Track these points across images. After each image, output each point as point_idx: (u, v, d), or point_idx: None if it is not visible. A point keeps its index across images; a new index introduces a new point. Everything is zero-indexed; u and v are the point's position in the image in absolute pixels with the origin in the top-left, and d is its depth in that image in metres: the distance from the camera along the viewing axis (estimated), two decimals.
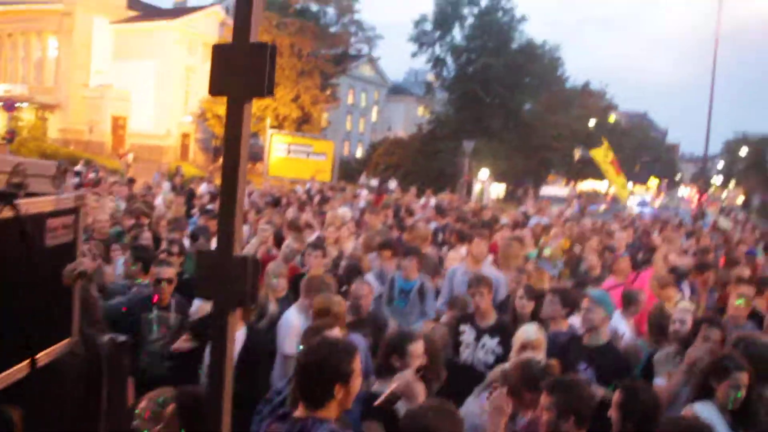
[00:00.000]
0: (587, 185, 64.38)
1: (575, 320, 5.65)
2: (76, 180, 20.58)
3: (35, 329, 1.53)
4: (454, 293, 7.04)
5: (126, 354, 1.96)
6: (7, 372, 1.43)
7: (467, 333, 5.70)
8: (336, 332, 4.21)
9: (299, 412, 2.80)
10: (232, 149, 1.90)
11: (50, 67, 51.73)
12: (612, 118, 66.14)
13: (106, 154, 46.00)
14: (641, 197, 51.60)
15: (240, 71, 1.90)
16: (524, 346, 4.58)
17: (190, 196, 15.88)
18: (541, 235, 11.52)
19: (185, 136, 52.32)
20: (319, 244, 7.74)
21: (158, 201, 13.90)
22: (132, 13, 53.50)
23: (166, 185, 19.23)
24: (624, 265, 8.44)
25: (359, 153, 64.00)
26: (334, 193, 20.82)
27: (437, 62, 54.43)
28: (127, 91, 50.97)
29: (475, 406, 4.15)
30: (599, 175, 53.57)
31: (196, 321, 5.32)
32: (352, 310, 5.60)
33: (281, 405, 3.65)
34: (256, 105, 31.62)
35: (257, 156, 40.19)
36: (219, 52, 2.00)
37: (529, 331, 4.75)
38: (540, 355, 4.42)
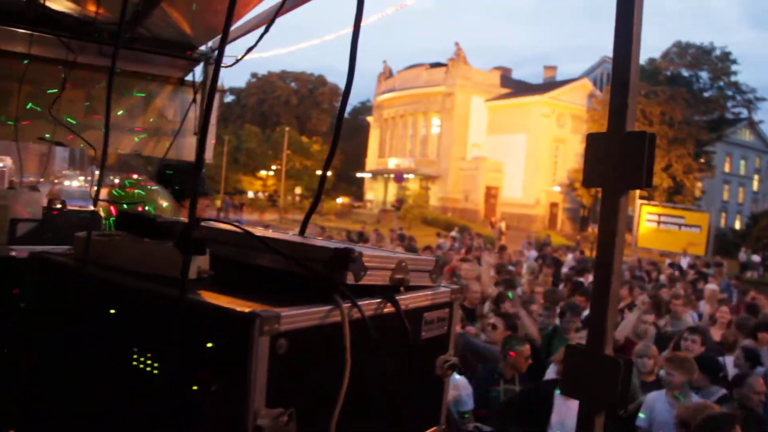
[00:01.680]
0: None
1: None
2: (450, 245, 21.95)
3: (409, 415, 1.61)
4: None
5: None
6: None
7: None
8: None
9: None
10: (607, 243, 1.81)
11: (433, 142, 56.71)
12: None
13: (479, 221, 48.53)
14: None
15: (615, 162, 1.81)
16: None
17: (558, 266, 15.88)
18: None
19: (553, 205, 53.00)
20: (698, 329, 7.10)
21: (524, 270, 14.15)
22: (504, 91, 56.51)
23: (531, 254, 19.54)
24: None
25: (738, 225, 58.23)
26: (712, 269, 19.13)
27: None
28: (500, 163, 53.56)
29: None
30: None
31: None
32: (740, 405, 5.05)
33: None
34: None
35: (626, 226, 38.96)
36: (593, 142, 1.95)
37: None
38: None
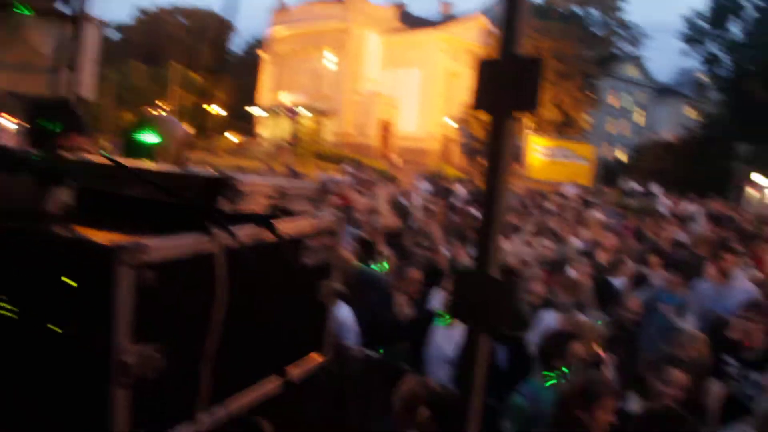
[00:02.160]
0: None
1: None
2: (347, 179, 21.97)
3: (290, 346, 1.58)
4: (705, 311, 6.29)
5: (377, 372, 1.97)
6: (260, 386, 1.48)
7: (731, 365, 4.97)
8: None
9: None
10: (494, 166, 1.82)
11: (328, 77, 55.97)
12: None
13: (374, 155, 48.63)
14: None
15: (505, 86, 1.81)
16: None
17: (448, 196, 16.19)
18: None
19: (447, 139, 53.65)
20: (586, 252, 7.44)
21: (417, 201, 14.23)
22: (400, 26, 56.18)
23: (424, 186, 19.81)
24: None
25: (621, 157, 60.98)
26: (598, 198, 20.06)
27: (711, 60, 49.90)
28: (394, 97, 53.61)
29: None
30: None
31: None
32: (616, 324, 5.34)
33: None
34: None
35: (515, 157, 40.01)
36: (484, 68, 1.93)
37: None
38: None
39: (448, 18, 58.31)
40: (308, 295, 1.65)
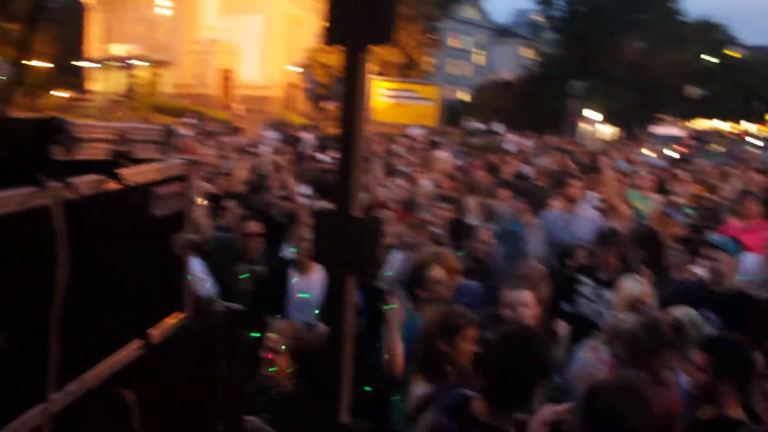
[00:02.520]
0: (702, 125, 60.66)
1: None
2: (191, 133, 21.20)
3: (146, 306, 1.45)
4: (556, 238, 6.65)
5: (242, 325, 1.87)
6: (119, 352, 1.35)
7: (586, 285, 5.31)
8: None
9: None
10: (350, 102, 1.75)
11: (163, 25, 53.27)
12: (731, 53, 61.34)
13: (216, 106, 47.18)
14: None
15: (359, 17, 1.73)
16: (630, 301, 4.21)
17: (295, 143, 16.01)
18: (666, 179, 10.73)
19: (291, 86, 52.91)
20: (447, 198, 7.55)
21: (264, 150, 13.93)
22: None
23: (271, 134, 19.49)
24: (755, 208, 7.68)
25: (464, 97, 62.93)
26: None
27: (546, 2, 52.23)
28: (235, 44, 51.98)
29: (586, 356, 3.92)
30: (714, 113, 51.43)
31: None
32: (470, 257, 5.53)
33: None
34: None
35: None
36: None
37: (632, 285, 4.32)
38: (649, 309, 4.09)
39: None
40: (161, 247, 1.51)
